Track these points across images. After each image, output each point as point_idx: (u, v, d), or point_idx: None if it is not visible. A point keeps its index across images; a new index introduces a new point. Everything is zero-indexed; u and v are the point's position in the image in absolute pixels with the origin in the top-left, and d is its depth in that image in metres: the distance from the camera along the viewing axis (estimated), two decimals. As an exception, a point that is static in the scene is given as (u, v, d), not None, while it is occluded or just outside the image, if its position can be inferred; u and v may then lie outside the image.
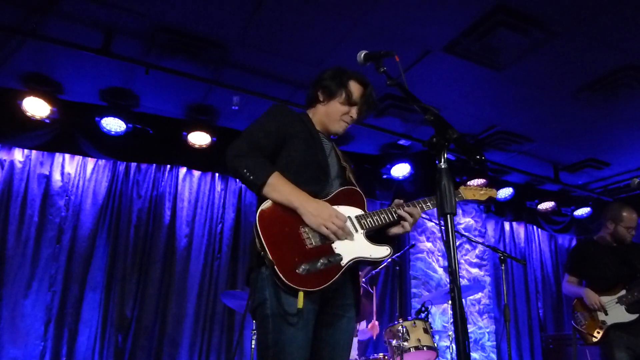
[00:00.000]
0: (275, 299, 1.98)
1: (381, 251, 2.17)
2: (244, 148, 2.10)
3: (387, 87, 1.97)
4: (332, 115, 2.40)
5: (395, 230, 2.29)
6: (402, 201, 2.30)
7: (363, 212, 2.23)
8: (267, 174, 2.04)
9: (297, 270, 1.95)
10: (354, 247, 2.11)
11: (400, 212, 2.24)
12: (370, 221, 2.20)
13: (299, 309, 1.92)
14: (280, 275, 1.92)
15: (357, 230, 2.16)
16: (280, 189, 2.05)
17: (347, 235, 2.10)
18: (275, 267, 1.93)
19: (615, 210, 4.32)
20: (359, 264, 2.16)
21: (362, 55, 2.17)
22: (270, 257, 1.95)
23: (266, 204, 2.06)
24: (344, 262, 2.05)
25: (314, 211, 2.04)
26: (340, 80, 2.39)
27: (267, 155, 2.17)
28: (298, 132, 2.27)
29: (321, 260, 2.00)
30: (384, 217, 2.23)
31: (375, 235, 2.26)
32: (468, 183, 6.71)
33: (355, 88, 2.40)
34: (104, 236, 5.55)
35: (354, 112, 2.41)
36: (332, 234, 2.04)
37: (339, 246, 2.07)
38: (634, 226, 4.26)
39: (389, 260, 5.34)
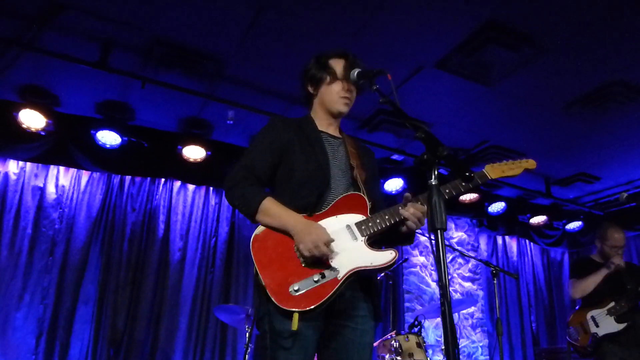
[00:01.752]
0: (271, 318, 1.97)
1: (384, 257, 2.03)
2: (237, 177, 2.12)
3: (380, 103, 1.99)
4: (327, 98, 2.33)
5: (403, 229, 2.13)
6: (410, 195, 2.13)
7: (364, 218, 2.11)
8: (258, 201, 2.05)
9: (289, 291, 1.92)
10: (352, 258, 2.01)
11: (402, 211, 2.08)
12: (371, 226, 2.08)
13: (293, 331, 1.87)
14: (272, 299, 1.91)
15: (356, 239, 2.06)
16: (272, 213, 2.05)
17: (337, 251, 2.02)
18: (267, 291, 1.93)
19: (602, 229, 4.49)
20: (360, 274, 2.03)
21: (355, 73, 2.20)
22: (262, 282, 1.94)
23: (260, 228, 2.07)
24: (340, 275, 1.96)
25: (301, 234, 1.98)
26: (320, 64, 2.35)
27: (264, 177, 2.17)
28: (293, 140, 2.23)
29: (315, 277, 1.94)
30: (387, 219, 2.09)
31: (389, 235, 2.17)
32: (460, 198, 6.78)
33: (336, 63, 2.32)
34: (97, 249, 5.54)
35: (347, 85, 2.30)
36: (323, 257, 1.97)
37: (335, 259, 2.00)
38: (620, 245, 4.38)
39: (382, 275, 5.37)
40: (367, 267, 2.01)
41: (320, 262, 1.98)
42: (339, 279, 1.96)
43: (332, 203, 2.14)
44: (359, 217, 2.11)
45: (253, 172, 2.15)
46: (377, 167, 2.53)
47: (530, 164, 2.37)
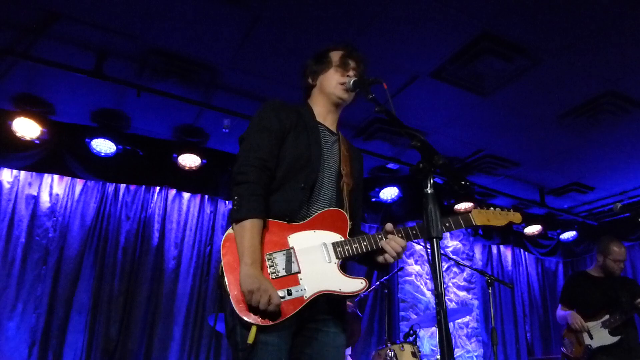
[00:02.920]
0: (241, 329, 1.87)
1: (353, 285, 1.98)
2: (251, 172, 1.98)
3: (376, 112, 1.99)
4: (325, 85, 2.29)
5: (380, 259, 2.10)
6: (392, 226, 2.09)
7: (341, 239, 2.05)
8: (245, 216, 1.91)
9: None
10: (321, 280, 1.95)
11: (382, 243, 2.05)
12: (348, 249, 2.02)
13: (248, 344, 1.80)
14: (234, 308, 1.83)
15: (330, 260, 2.00)
16: (241, 238, 1.90)
17: (308, 269, 1.95)
18: (230, 297, 1.84)
19: (605, 243, 4.52)
20: (327, 297, 1.97)
21: (351, 82, 2.19)
22: (227, 287, 1.86)
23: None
24: (307, 295, 1.90)
25: (245, 276, 1.83)
26: (320, 58, 2.35)
27: (273, 166, 2.05)
28: (293, 127, 2.15)
29: (281, 293, 1.86)
30: (365, 245, 2.05)
31: (363, 260, 2.15)
32: (455, 207, 6.78)
33: (335, 54, 2.32)
34: (91, 258, 5.50)
35: (345, 72, 2.28)
36: (251, 302, 1.82)
37: (305, 277, 1.93)
38: (622, 259, 4.46)
39: (377, 283, 5.35)
40: (334, 291, 1.96)
41: (291, 278, 1.92)
42: (305, 298, 1.91)
43: (313, 215, 2.07)
44: (337, 237, 2.05)
45: (267, 165, 2.03)
46: (363, 175, 2.48)
47: (517, 217, 2.41)
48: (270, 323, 1.83)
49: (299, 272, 1.94)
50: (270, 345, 1.86)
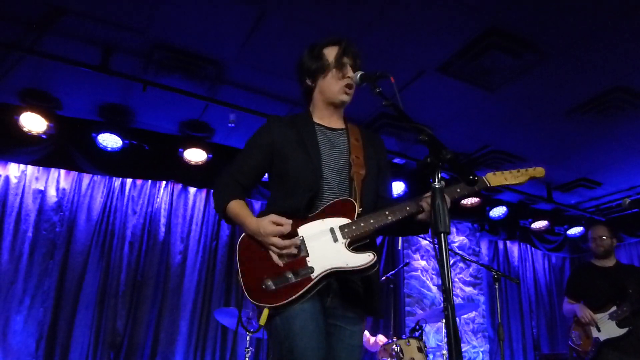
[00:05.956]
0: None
1: (361, 259, 1.99)
2: (220, 184, 2.27)
3: (383, 106, 1.98)
4: (327, 89, 2.28)
5: (421, 216, 2.08)
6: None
7: (349, 221, 2.07)
8: (223, 206, 2.19)
9: (262, 287, 1.96)
10: (328, 258, 2.00)
11: (422, 203, 2.06)
12: (355, 229, 2.04)
13: (260, 325, 1.95)
14: (247, 295, 1.98)
15: (337, 240, 2.03)
16: (233, 216, 2.19)
17: (315, 251, 2.02)
18: (243, 287, 2.00)
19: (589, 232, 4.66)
20: (337, 275, 2.01)
21: (358, 75, 2.18)
22: (241, 280, 2.02)
23: None
24: (315, 274, 1.96)
25: (256, 233, 2.07)
26: (313, 55, 2.32)
27: (247, 182, 2.26)
28: (287, 139, 2.22)
29: (288, 275, 1.97)
30: (372, 223, 2.06)
31: (402, 227, 2.18)
32: (462, 202, 6.76)
33: (330, 52, 2.29)
34: (97, 252, 5.53)
35: (345, 71, 2.25)
36: (277, 252, 2.02)
37: (312, 259, 2.00)
38: (595, 236, 4.55)
39: (384, 278, 5.35)
40: (342, 267, 1.99)
41: (299, 260, 2.00)
42: (313, 277, 1.96)
43: (320, 209, 2.12)
44: (345, 221, 2.09)
45: (236, 178, 2.24)
46: (386, 156, 2.46)
47: (539, 171, 2.23)
48: (281, 303, 1.93)
49: (307, 256, 2.02)
50: (302, 311, 1.95)
